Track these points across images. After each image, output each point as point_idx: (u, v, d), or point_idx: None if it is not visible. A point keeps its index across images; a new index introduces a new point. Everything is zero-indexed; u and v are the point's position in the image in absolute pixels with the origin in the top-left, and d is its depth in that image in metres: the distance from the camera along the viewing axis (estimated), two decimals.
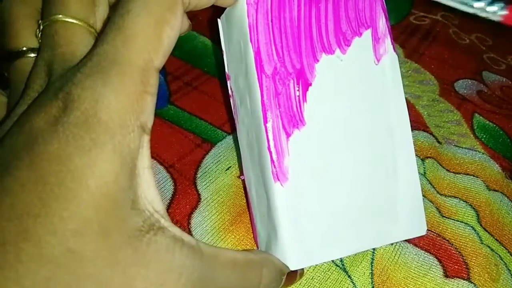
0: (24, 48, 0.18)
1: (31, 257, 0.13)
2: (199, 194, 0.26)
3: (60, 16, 0.17)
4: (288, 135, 0.19)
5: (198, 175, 0.27)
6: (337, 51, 0.21)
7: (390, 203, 0.21)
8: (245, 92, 0.20)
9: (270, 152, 0.19)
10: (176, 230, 0.16)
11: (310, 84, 0.20)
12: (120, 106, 0.14)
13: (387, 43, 0.22)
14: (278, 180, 0.19)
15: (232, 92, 0.22)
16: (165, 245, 0.15)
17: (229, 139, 0.29)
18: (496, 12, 0.15)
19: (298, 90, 0.20)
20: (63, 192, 0.13)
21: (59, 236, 0.13)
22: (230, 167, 0.28)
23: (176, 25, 0.16)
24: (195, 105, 0.32)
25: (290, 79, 0.20)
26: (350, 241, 0.21)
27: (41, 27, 0.18)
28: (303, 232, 0.20)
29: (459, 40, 0.41)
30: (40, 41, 0.18)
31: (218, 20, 0.22)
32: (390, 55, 0.21)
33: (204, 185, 0.27)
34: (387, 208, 0.21)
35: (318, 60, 0.20)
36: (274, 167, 0.19)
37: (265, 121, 0.19)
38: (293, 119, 0.20)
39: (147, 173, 0.15)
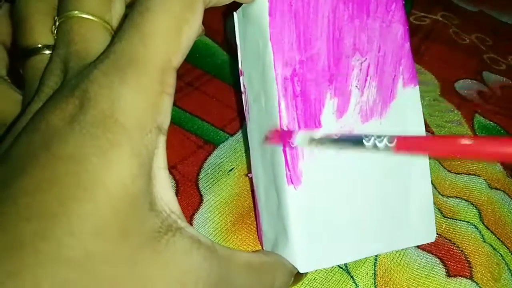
0: (39, 45, 0.18)
1: (50, 258, 0.12)
2: (201, 196, 0.26)
3: (76, 12, 0.17)
4: None
5: (201, 177, 0.27)
6: (357, 53, 0.20)
7: (402, 208, 0.21)
8: (260, 91, 0.20)
9: (285, 155, 0.19)
10: (192, 231, 0.15)
11: (329, 87, 0.20)
12: (138, 106, 0.14)
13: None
14: (292, 183, 0.19)
15: (244, 88, 0.22)
16: (183, 246, 0.15)
17: (232, 140, 0.29)
18: (387, 146, 0.16)
19: (317, 93, 0.19)
20: (80, 192, 0.13)
21: (77, 237, 0.13)
22: (233, 168, 0.28)
23: (195, 24, 0.15)
24: (197, 105, 0.31)
25: (308, 81, 0.19)
26: (360, 245, 0.21)
27: (57, 23, 0.17)
28: (314, 236, 0.20)
29: (459, 40, 0.42)
30: (55, 37, 0.17)
31: (234, 13, 0.21)
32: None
33: (206, 186, 0.27)
34: (398, 213, 0.21)
35: (338, 62, 0.20)
36: (289, 170, 0.19)
37: (281, 123, 0.19)
38: (310, 122, 0.19)
39: (162, 174, 0.15)
